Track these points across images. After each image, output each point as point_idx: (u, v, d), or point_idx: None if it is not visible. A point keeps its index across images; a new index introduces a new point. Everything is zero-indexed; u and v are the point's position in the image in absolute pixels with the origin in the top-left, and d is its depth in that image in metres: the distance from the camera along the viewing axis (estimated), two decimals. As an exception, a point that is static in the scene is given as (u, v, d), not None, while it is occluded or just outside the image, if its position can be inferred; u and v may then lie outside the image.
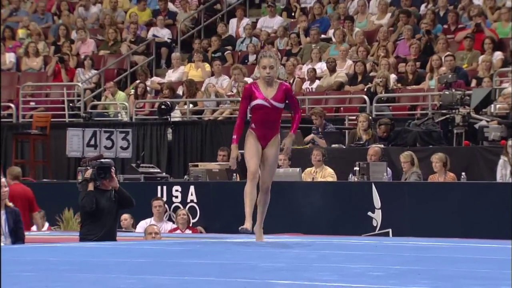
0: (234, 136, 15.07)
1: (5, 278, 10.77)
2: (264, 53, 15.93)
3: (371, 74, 28.31)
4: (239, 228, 15.17)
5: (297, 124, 15.70)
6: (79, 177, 18.59)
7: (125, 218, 20.78)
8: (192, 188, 23.53)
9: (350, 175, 23.71)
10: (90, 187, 18.05)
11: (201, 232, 22.45)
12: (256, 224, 15.70)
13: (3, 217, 17.73)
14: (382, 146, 23.87)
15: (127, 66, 32.15)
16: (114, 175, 18.32)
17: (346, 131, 27.24)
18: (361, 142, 25.23)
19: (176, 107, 29.03)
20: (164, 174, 25.41)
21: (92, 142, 26.20)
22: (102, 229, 18.22)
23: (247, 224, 15.17)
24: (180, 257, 14.11)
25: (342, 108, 27.43)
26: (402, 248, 16.89)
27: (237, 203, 22.26)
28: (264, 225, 16.66)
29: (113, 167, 18.72)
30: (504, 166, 21.80)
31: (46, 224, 22.53)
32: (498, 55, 27.19)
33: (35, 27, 33.70)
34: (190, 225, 22.38)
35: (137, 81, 30.64)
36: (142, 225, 21.11)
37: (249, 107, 15.41)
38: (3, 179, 18.53)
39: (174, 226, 22.22)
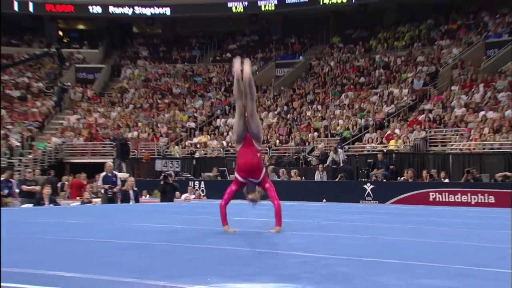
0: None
1: (126, 217, 10.44)
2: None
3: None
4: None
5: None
6: (161, 178, 18.58)
7: (177, 193, 20.39)
8: (202, 183, 22.83)
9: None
10: (162, 182, 17.96)
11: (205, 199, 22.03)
12: None
13: (132, 194, 17.02)
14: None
15: (178, 137, 31.82)
16: (170, 179, 18.16)
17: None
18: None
19: (197, 153, 28.71)
20: (192, 176, 24.75)
21: (165, 165, 25.84)
22: (167, 198, 18.06)
23: None
24: (197, 208, 13.96)
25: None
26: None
27: (221, 190, 22.03)
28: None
29: (171, 175, 18.68)
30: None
31: (147, 196, 22.05)
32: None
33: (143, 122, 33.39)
34: (201, 197, 21.76)
35: (183, 142, 30.25)
36: (183, 196, 20.79)
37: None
38: (130, 179, 18.12)
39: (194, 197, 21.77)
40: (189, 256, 5.38)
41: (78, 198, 19.03)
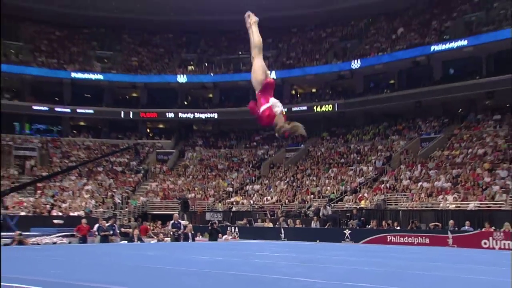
0: None
1: (186, 251, 10.11)
2: None
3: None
4: None
5: None
6: (209, 224, 18.09)
7: (219, 235, 19.69)
8: (237, 228, 21.64)
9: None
10: (210, 227, 17.58)
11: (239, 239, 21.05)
12: None
13: (190, 235, 16.54)
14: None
15: (221, 197, 31.42)
16: (215, 225, 17.29)
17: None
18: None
19: (233, 208, 27.96)
20: (230, 224, 23.89)
21: (212, 216, 25.44)
22: (213, 238, 17.61)
23: None
24: (233, 245, 13.47)
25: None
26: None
27: (249, 233, 20.24)
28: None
29: (215, 222, 18.22)
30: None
31: (200, 237, 21.35)
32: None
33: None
34: (236, 238, 20.40)
35: (224, 201, 29.76)
36: (224, 237, 20.01)
37: None
38: (189, 225, 17.59)
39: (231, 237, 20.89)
40: (226, 279, 5.30)
41: (155, 236, 18.89)
